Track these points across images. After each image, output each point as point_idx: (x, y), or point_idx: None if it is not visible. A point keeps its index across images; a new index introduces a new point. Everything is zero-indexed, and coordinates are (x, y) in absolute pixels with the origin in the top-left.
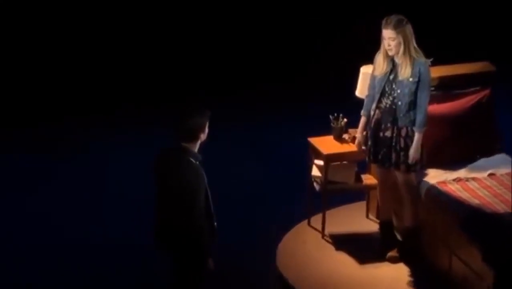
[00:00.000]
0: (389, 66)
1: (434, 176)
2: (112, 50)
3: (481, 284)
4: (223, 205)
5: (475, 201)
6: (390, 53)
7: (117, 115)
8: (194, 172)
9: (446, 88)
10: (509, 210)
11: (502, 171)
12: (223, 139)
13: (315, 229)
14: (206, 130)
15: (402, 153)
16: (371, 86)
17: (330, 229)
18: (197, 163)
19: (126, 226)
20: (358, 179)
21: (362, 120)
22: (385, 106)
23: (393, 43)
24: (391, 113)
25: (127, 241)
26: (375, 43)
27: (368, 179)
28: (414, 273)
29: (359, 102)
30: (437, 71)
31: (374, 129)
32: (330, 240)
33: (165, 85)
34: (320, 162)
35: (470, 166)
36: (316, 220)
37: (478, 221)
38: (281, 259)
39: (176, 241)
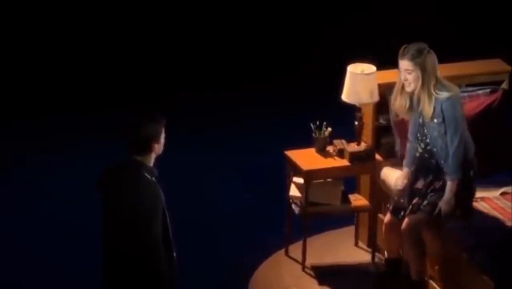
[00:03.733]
0: (408, 103)
1: None
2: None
3: None
4: (184, 231)
5: (484, 226)
6: (408, 89)
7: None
8: (150, 190)
9: None
10: None
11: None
12: (186, 153)
13: (294, 260)
14: (162, 140)
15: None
16: (411, 132)
17: (312, 259)
18: (153, 179)
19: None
20: (345, 200)
21: (404, 171)
22: (420, 155)
23: (410, 77)
24: (426, 162)
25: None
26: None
27: (357, 200)
28: None
29: (346, 107)
30: (440, 70)
31: (410, 181)
32: (311, 273)
33: (125, 87)
34: (300, 180)
35: (478, 183)
36: (295, 248)
37: (487, 250)
38: None
39: (128, 275)
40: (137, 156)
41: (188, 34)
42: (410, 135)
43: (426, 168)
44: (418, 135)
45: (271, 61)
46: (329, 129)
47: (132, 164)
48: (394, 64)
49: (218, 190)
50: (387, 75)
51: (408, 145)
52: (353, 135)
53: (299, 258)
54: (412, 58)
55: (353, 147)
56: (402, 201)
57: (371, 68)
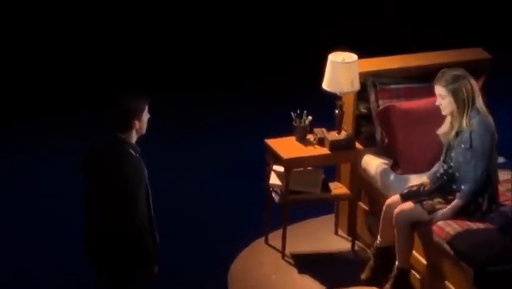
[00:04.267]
0: (454, 126)
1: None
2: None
3: None
4: (165, 221)
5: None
6: (443, 113)
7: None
8: (134, 165)
9: (430, 80)
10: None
11: (501, 177)
12: (167, 145)
13: (274, 248)
14: (144, 119)
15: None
16: (443, 151)
17: (292, 247)
18: (137, 155)
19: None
20: (326, 188)
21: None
22: (441, 176)
23: (443, 102)
24: (445, 185)
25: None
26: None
27: (337, 188)
28: None
29: (327, 96)
30: (420, 59)
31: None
32: (291, 261)
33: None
34: (280, 168)
35: None
36: (275, 236)
37: (467, 237)
38: (233, 285)
39: (112, 251)
40: (119, 133)
41: (172, 31)
42: (442, 156)
43: (444, 190)
44: (447, 156)
45: (251, 51)
46: (310, 117)
47: (115, 141)
48: (375, 53)
49: (198, 179)
50: (368, 64)
51: (438, 163)
52: (334, 124)
53: (279, 247)
54: (446, 85)
55: (333, 135)
56: (414, 188)
57: (352, 57)
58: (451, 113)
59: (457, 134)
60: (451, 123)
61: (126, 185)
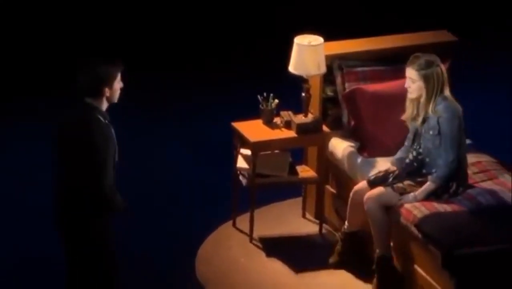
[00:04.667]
0: (415, 111)
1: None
2: None
3: None
4: (133, 204)
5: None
6: (409, 96)
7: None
8: (103, 132)
9: (396, 63)
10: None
11: (469, 160)
12: (135, 127)
13: (242, 232)
14: (116, 87)
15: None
16: (408, 138)
17: (260, 231)
18: (106, 122)
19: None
20: (293, 171)
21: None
22: (410, 162)
23: (413, 86)
24: (415, 171)
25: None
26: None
27: (305, 171)
28: (359, 281)
29: (293, 79)
30: (386, 42)
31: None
32: (259, 245)
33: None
34: (247, 151)
35: None
36: (243, 220)
37: (434, 219)
38: (201, 268)
39: (81, 218)
40: (88, 98)
41: (141, 12)
42: (406, 141)
43: (414, 174)
44: (415, 142)
45: (219, 34)
46: (276, 101)
47: (84, 107)
48: (341, 36)
49: (166, 163)
50: (334, 47)
51: (403, 148)
52: (300, 107)
53: (247, 230)
54: (418, 69)
55: (300, 119)
56: (381, 174)
57: (318, 39)
58: (417, 99)
59: (424, 121)
60: (415, 109)
61: (95, 151)
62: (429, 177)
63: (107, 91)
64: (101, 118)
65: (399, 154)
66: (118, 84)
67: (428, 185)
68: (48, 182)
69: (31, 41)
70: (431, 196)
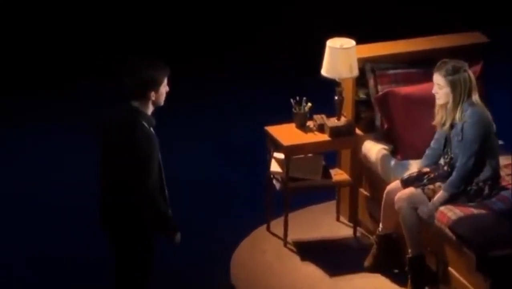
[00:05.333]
0: (448, 118)
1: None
2: None
3: None
4: None
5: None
6: (438, 102)
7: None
8: (146, 136)
9: (428, 65)
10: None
11: (500, 162)
12: (168, 127)
13: (276, 236)
14: (162, 91)
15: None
16: (435, 140)
17: (294, 235)
18: (150, 128)
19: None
20: (326, 175)
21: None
22: (442, 166)
23: (440, 92)
24: (444, 173)
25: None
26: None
27: (338, 174)
28: (394, 284)
29: (326, 83)
30: (418, 44)
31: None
32: (293, 249)
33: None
34: (280, 155)
35: None
36: (277, 224)
37: (468, 222)
38: (236, 272)
39: (124, 220)
40: (134, 101)
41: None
42: (433, 143)
43: (446, 177)
44: (446, 148)
45: (254, 37)
46: (309, 104)
47: (129, 110)
48: (373, 39)
49: (200, 166)
50: (367, 50)
51: (428, 152)
52: (333, 110)
53: (281, 234)
54: (445, 75)
55: (333, 122)
56: (414, 174)
57: (350, 42)
58: (445, 104)
59: (452, 126)
60: (444, 114)
61: (138, 156)
62: (443, 186)
63: (153, 95)
64: (145, 124)
65: (429, 155)
66: (164, 88)
67: (441, 194)
68: (48, 182)
69: (28, 38)
70: (464, 199)
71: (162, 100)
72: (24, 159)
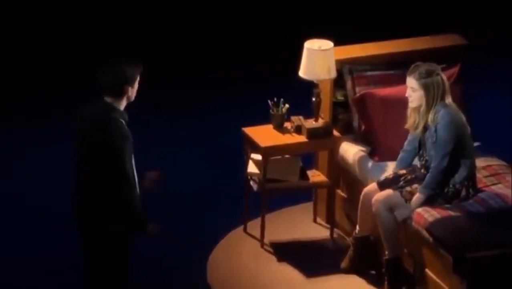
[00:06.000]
0: (421, 121)
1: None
2: None
3: None
4: (142, 208)
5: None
6: (411, 105)
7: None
8: (121, 131)
9: (406, 67)
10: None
11: (477, 164)
12: (146, 128)
13: (253, 237)
14: (136, 86)
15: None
16: (409, 142)
17: (271, 236)
18: (123, 122)
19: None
20: (304, 176)
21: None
22: (419, 170)
23: (413, 95)
24: (420, 176)
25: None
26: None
27: (315, 176)
28: (371, 286)
29: (303, 84)
30: (396, 46)
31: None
32: (270, 250)
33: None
34: (258, 156)
35: None
36: (254, 225)
37: (445, 224)
38: (212, 273)
39: (99, 215)
40: (108, 98)
41: (156, 8)
42: (407, 145)
43: (423, 180)
44: (421, 150)
45: (231, 39)
46: (287, 105)
47: (103, 106)
48: (351, 40)
49: (176, 167)
50: (345, 51)
51: (402, 154)
52: (311, 112)
53: (258, 235)
54: (418, 78)
55: (310, 123)
56: (391, 176)
57: (328, 44)
58: (418, 108)
59: (425, 129)
60: (417, 117)
61: (113, 151)
62: (418, 188)
63: (129, 91)
64: (119, 118)
65: (402, 160)
66: (137, 85)
67: (417, 196)
68: (47, 183)
69: (28, 40)
70: (441, 200)
71: (134, 95)
72: (24, 161)
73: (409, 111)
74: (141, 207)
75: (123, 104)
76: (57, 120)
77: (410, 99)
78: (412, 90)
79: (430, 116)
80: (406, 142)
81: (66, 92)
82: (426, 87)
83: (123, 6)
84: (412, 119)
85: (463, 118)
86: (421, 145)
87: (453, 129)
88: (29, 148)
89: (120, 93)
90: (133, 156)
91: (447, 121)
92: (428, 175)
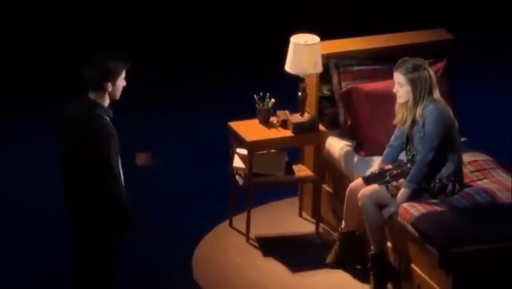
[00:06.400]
0: (408, 116)
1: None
2: None
3: None
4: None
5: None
6: (399, 100)
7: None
8: (104, 128)
9: (392, 62)
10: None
11: (464, 159)
12: (131, 124)
13: (238, 231)
14: (119, 84)
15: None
16: (395, 136)
17: (256, 231)
18: (108, 119)
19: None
20: (289, 171)
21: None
22: (405, 165)
23: (401, 90)
24: (406, 170)
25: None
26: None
27: (301, 171)
28: (356, 281)
29: (289, 79)
30: (382, 41)
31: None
32: (256, 244)
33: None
34: (243, 151)
35: None
36: (239, 220)
37: (431, 218)
38: (198, 269)
39: (89, 213)
40: (92, 93)
41: (140, 3)
42: (393, 140)
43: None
44: (408, 145)
45: (216, 34)
46: (272, 100)
47: (87, 102)
48: (337, 35)
49: (162, 162)
50: (331, 46)
51: (388, 149)
52: (297, 106)
53: (243, 230)
54: (405, 73)
55: (296, 118)
56: (376, 172)
57: (315, 38)
58: (405, 103)
59: (413, 124)
60: (404, 114)
61: (98, 149)
62: (403, 182)
63: (109, 87)
64: (103, 115)
65: (388, 155)
66: (121, 82)
67: (403, 191)
68: (47, 183)
69: (24, 37)
70: (428, 195)
71: (118, 93)
72: (24, 160)
73: (397, 107)
74: (128, 203)
75: (106, 101)
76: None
77: (397, 94)
78: (399, 85)
79: (418, 111)
80: (393, 137)
81: (65, 92)
82: (413, 82)
83: (116, 5)
84: (400, 115)
85: (451, 113)
86: (408, 140)
87: (441, 124)
88: (29, 148)
89: (100, 89)
90: (119, 152)
91: (435, 116)
92: (413, 168)
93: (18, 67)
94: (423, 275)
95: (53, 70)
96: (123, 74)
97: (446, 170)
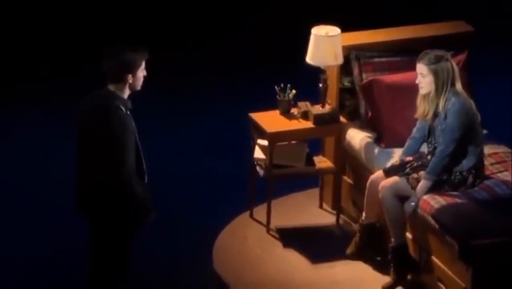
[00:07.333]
0: (430, 108)
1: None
2: None
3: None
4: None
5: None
6: (421, 91)
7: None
8: (121, 120)
9: (413, 53)
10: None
11: (485, 151)
12: (151, 115)
13: (259, 222)
14: (139, 75)
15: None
16: (417, 129)
17: (276, 221)
18: (127, 112)
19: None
20: (310, 162)
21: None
22: (426, 157)
23: (423, 81)
24: (427, 162)
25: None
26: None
27: (322, 162)
28: (376, 272)
29: (310, 70)
30: (403, 33)
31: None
32: (276, 235)
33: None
34: (264, 142)
35: None
36: (260, 211)
37: (451, 211)
38: (218, 259)
39: (102, 205)
40: (111, 85)
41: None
42: (415, 132)
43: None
44: (430, 137)
45: (237, 23)
46: (294, 91)
47: (105, 93)
48: (358, 26)
49: (183, 152)
50: (352, 38)
51: (409, 141)
52: (318, 98)
53: (264, 221)
54: (428, 64)
55: (317, 109)
56: (397, 163)
57: (336, 30)
58: (427, 95)
59: (435, 116)
60: (425, 107)
61: (112, 139)
62: (423, 174)
63: (130, 78)
64: (121, 107)
65: (409, 147)
66: (141, 72)
67: (422, 183)
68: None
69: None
70: (448, 188)
71: (139, 84)
72: (24, 160)
73: (418, 100)
74: (144, 196)
75: (126, 92)
76: (58, 120)
77: (420, 85)
78: (422, 76)
79: (441, 103)
80: (414, 130)
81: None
82: (435, 73)
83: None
84: (421, 108)
85: (473, 105)
86: (430, 132)
87: (463, 117)
88: (29, 148)
89: (120, 81)
90: (138, 141)
91: (457, 109)
92: (433, 160)
93: (20, 67)
94: (443, 267)
95: (51, 64)
96: (143, 65)
97: (467, 163)
